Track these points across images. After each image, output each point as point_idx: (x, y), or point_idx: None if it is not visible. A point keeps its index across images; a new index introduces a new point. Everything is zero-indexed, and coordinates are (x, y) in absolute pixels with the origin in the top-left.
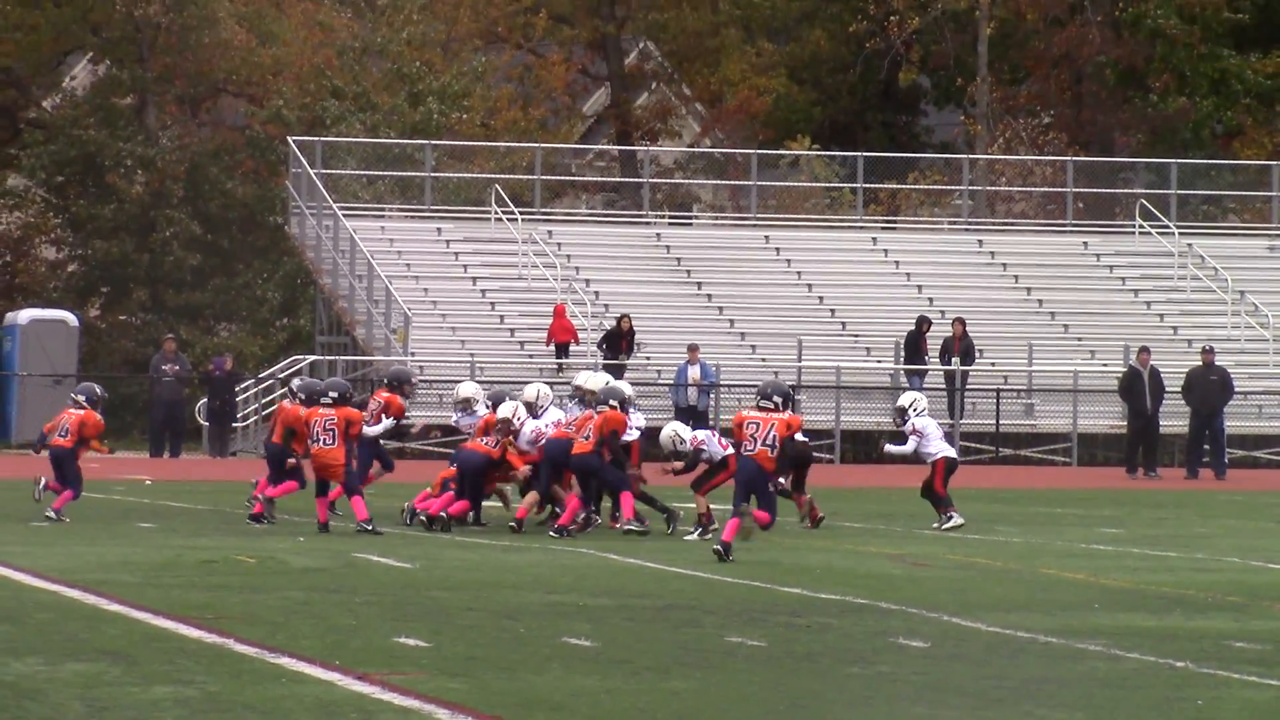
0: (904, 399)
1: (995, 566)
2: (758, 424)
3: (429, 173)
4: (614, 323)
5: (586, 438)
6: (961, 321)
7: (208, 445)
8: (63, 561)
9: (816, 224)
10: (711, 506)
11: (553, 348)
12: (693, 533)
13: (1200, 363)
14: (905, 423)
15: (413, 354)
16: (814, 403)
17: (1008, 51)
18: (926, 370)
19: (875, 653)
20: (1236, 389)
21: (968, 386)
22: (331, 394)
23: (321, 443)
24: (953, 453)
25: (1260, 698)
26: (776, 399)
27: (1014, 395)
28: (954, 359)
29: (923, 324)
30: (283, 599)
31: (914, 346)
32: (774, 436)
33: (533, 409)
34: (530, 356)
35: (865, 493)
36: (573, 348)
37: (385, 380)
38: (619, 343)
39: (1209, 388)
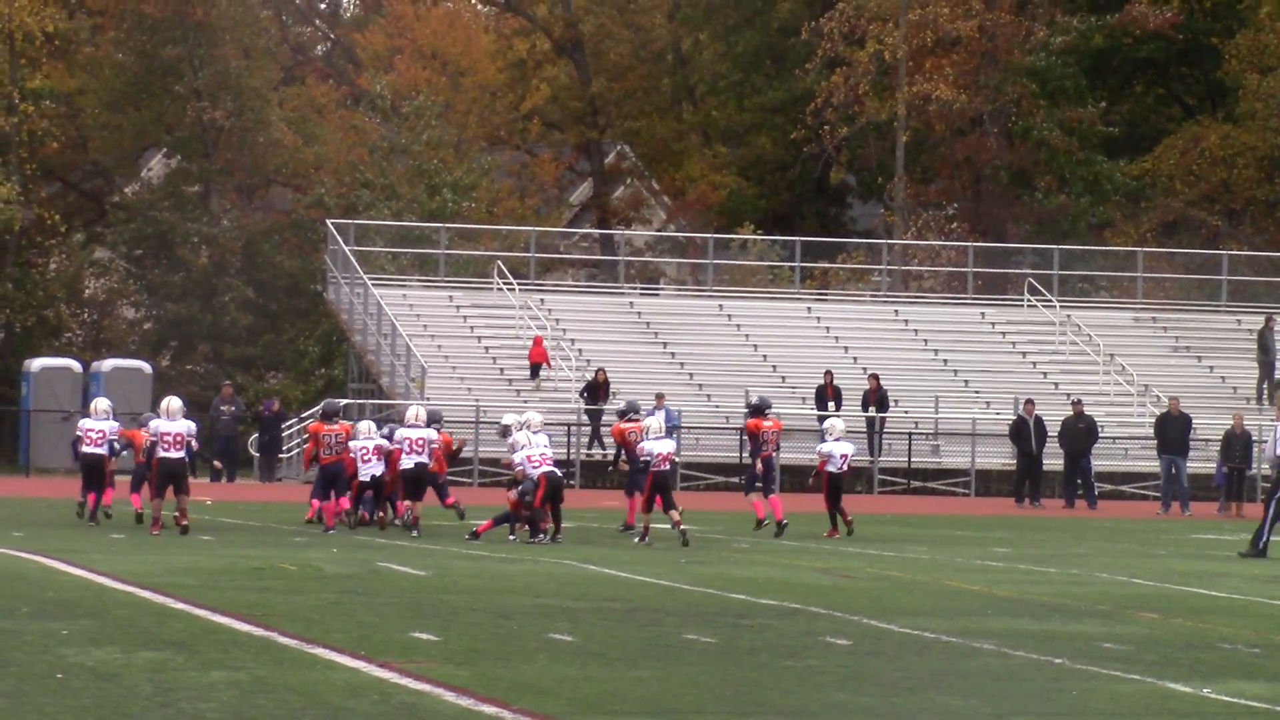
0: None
1: (906, 578)
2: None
3: (443, 250)
4: (592, 375)
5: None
6: (876, 377)
7: (258, 472)
8: (136, 567)
9: (761, 295)
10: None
11: (529, 368)
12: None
13: (1071, 413)
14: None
15: (428, 398)
16: None
17: (920, 155)
18: (840, 415)
19: (806, 649)
20: (1105, 434)
21: (885, 430)
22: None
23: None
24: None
25: (1124, 690)
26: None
27: (923, 437)
28: (871, 407)
29: (826, 377)
30: (318, 599)
31: (821, 395)
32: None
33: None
34: (525, 402)
35: (800, 517)
36: (543, 370)
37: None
38: (597, 391)
39: (1077, 434)
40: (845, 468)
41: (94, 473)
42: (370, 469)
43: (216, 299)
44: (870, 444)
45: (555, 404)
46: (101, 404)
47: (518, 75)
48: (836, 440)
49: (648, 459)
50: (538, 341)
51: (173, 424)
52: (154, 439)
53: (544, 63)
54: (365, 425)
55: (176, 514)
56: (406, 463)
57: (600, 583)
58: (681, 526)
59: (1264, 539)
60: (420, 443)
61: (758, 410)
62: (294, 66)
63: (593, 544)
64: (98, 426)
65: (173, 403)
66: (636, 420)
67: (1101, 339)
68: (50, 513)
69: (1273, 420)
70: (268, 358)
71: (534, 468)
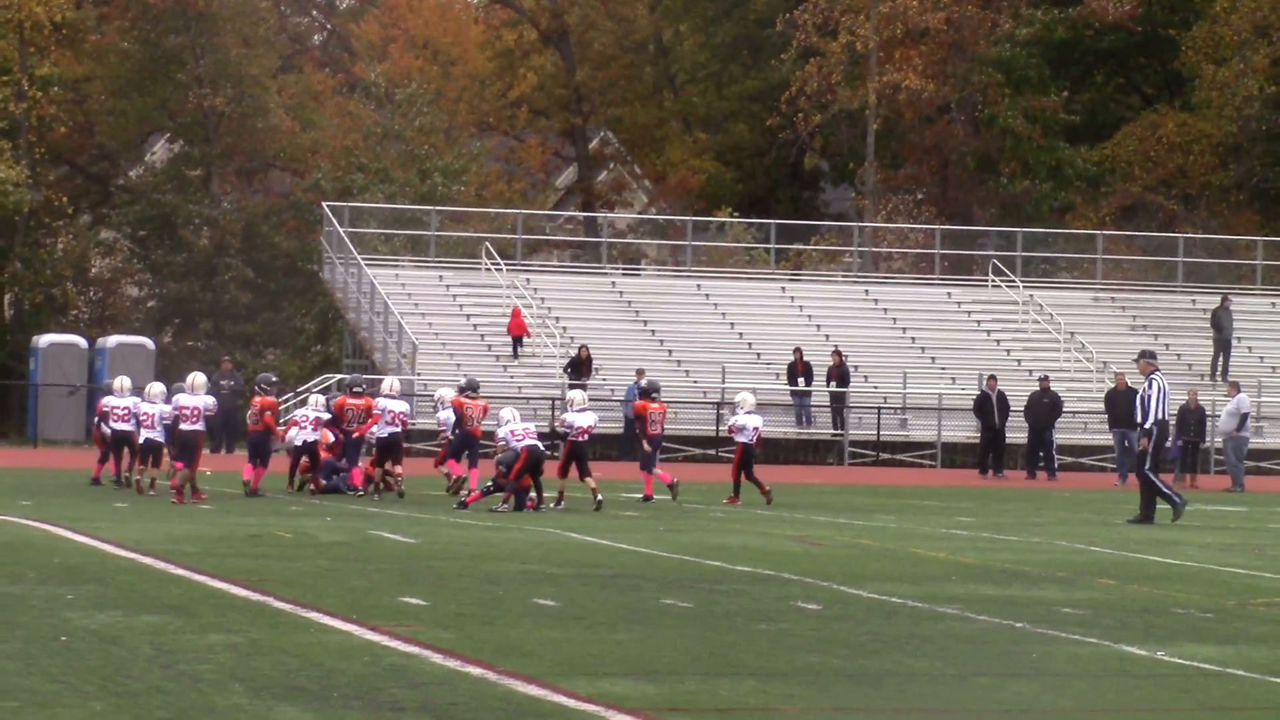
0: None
1: (874, 546)
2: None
3: (434, 232)
4: (576, 352)
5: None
6: (838, 353)
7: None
8: (139, 535)
9: (738, 275)
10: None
11: (509, 340)
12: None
13: (1038, 388)
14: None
15: (418, 373)
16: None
17: (890, 142)
18: (810, 391)
19: (779, 613)
20: (1066, 409)
21: (854, 404)
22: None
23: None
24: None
25: (1082, 651)
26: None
27: (891, 412)
28: (832, 382)
29: (796, 353)
30: (313, 566)
31: (792, 371)
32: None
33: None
34: (511, 377)
35: (774, 487)
36: (524, 342)
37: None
38: (580, 367)
39: (1042, 408)
40: (756, 439)
41: (123, 446)
42: (304, 435)
43: (217, 278)
44: (834, 418)
45: (539, 378)
46: (125, 382)
47: (506, 64)
48: (748, 413)
49: (566, 430)
50: (515, 313)
51: (194, 398)
52: (175, 411)
53: (531, 52)
54: (154, 387)
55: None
56: (381, 431)
57: (582, 550)
58: (598, 495)
59: (1169, 502)
60: (195, 411)
61: (645, 393)
62: (292, 55)
63: (575, 513)
64: (122, 404)
65: (197, 378)
66: (657, 400)
67: (1062, 318)
68: (57, 482)
69: (1225, 395)
70: (266, 334)
71: (517, 441)
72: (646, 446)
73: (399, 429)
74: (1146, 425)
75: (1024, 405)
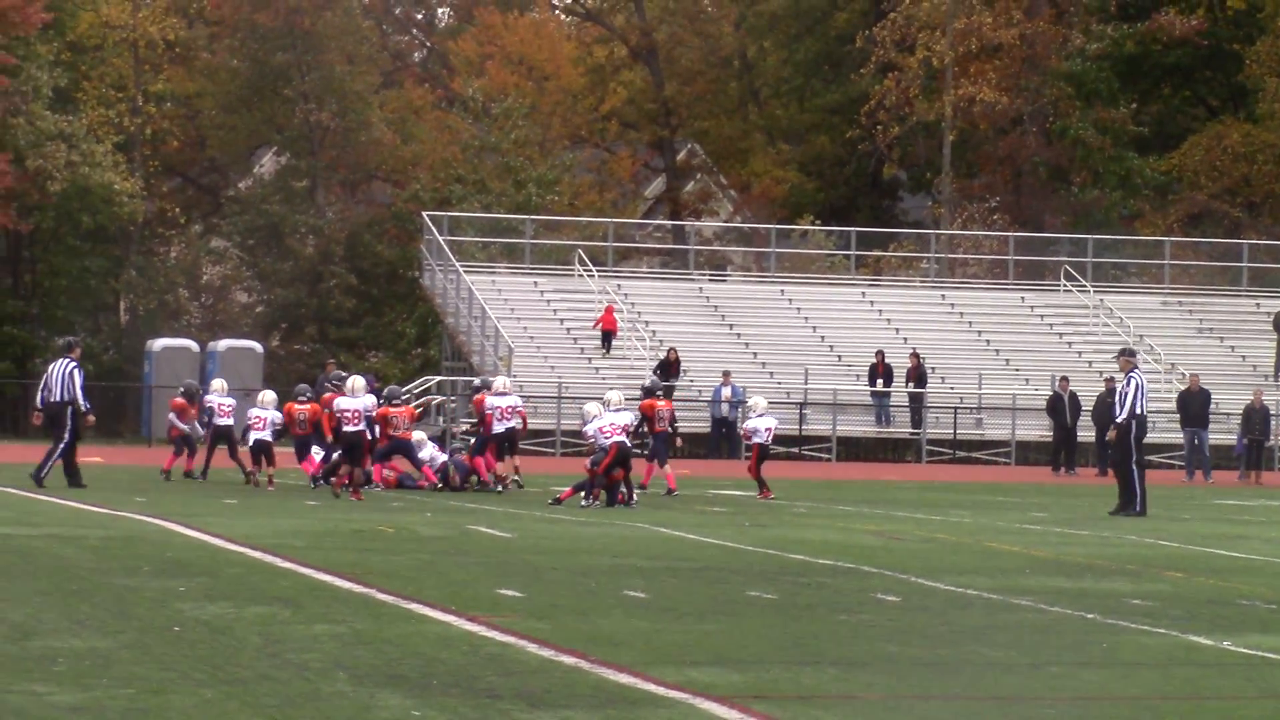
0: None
1: (951, 540)
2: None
3: (529, 240)
4: (665, 354)
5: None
6: (915, 355)
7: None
8: (248, 530)
9: (820, 281)
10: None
11: (600, 334)
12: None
13: (1103, 389)
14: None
15: (515, 375)
16: (816, 415)
17: (966, 153)
18: (889, 391)
19: (859, 605)
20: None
21: (931, 405)
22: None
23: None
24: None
25: (1151, 642)
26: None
27: (967, 411)
28: (910, 383)
29: (878, 356)
30: (414, 559)
31: (873, 373)
32: None
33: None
34: (604, 379)
35: (855, 484)
36: (614, 339)
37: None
38: (669, 368)
39: (1107, 409)
40: (770, 440)
41: (354, 451)
42: (256, 434)
43: (322, 285)
44: (913, 417)
45: (628, 379)
46: (268, 396)
47: (597, 79)
48: (760, 416)
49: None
50: (608, 310)
51: (354, 400)
52: (338, 414)
53: (621, 68)
54: (266, 395)
55: (337, 480)
56: (498, 427)
57: (671, 544)
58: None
59: (1140, 502)
60: (356, 414)
61: (649, 392)
62: (393, 72)
63: (663, 509)
64: (352, 406)
65: (357, 381)
66: (663, 398)
67: (1131, 321)
68: (169, 480)
69: None
70: (369, 338)
71: (605, 438)
72: (651, 441)
73: (517, 423)
74: (1119, 420)
75: (1093, 407)
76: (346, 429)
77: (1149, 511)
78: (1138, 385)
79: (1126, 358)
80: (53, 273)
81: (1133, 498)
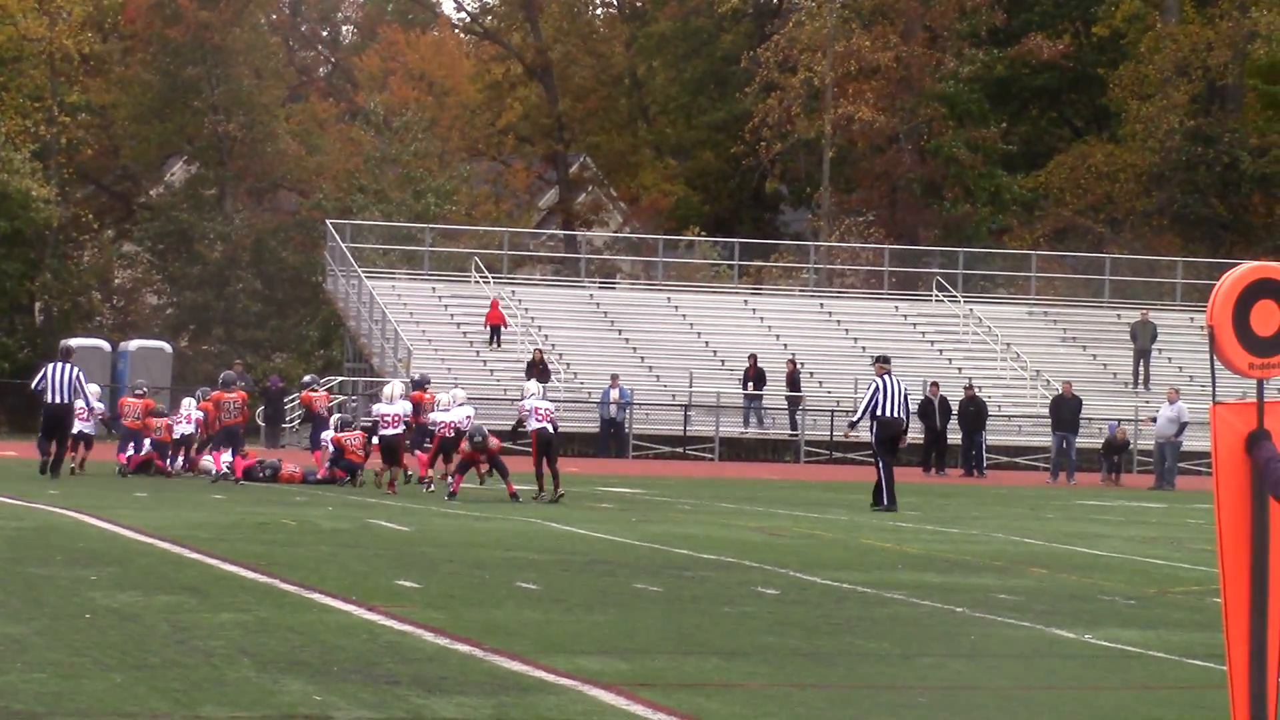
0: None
1: (828, 537)
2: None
3: (427, 248)
4: (532, 355)
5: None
6: (792, 361)
7: (264, 440)
8: (157, 522)
9: (704, 289)
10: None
11: (488, 330)
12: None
13: (964, 395)
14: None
15: (412, 376)
16: (700, 417)
17: (844, 169)
18: (762, 394)
19: (741, 597)
20: (1001, 413)
21: (809, 408)
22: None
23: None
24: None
25: (1016, 634)
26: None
27: (843, 414)
28: (788, 387)
29: (750, 360)
30: (315, 551)
31: (745, 376)
32: None
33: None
34: (499, 381)
35: (736, 483)
36: (503, 332)
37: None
38: (533, 369)
39: (968, 414)
40: (546, 421)
41: (391, 453)
42: (182, 429)
43: (229, 288)
44: (791, 419)
45: (515, 373)
46: (396, 389)
47: (494, 95)
48: (533, 397)
49: (433, 427)
50: (494, 305)
51: (392, 406)
52: (376, 419)
53: (517, 85)
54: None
55: (386, 482)
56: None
57: (562, 538)
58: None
59: (887, 494)
60: (395, 418)
61: (419, 385)
62: (299, 85)
63: (555, 505)
64: (391, 411)
65: (396, 388)
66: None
67: (1000, 330)
68: (85, 474)
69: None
70: (274, 340)
71: (537, 420)
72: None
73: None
74: (853, 420)
75: (957, 412)
76: (385, 432)
77: (934, 503)
78: (876, 389)
79: (880, 364)
80: None
81: (880, 492)
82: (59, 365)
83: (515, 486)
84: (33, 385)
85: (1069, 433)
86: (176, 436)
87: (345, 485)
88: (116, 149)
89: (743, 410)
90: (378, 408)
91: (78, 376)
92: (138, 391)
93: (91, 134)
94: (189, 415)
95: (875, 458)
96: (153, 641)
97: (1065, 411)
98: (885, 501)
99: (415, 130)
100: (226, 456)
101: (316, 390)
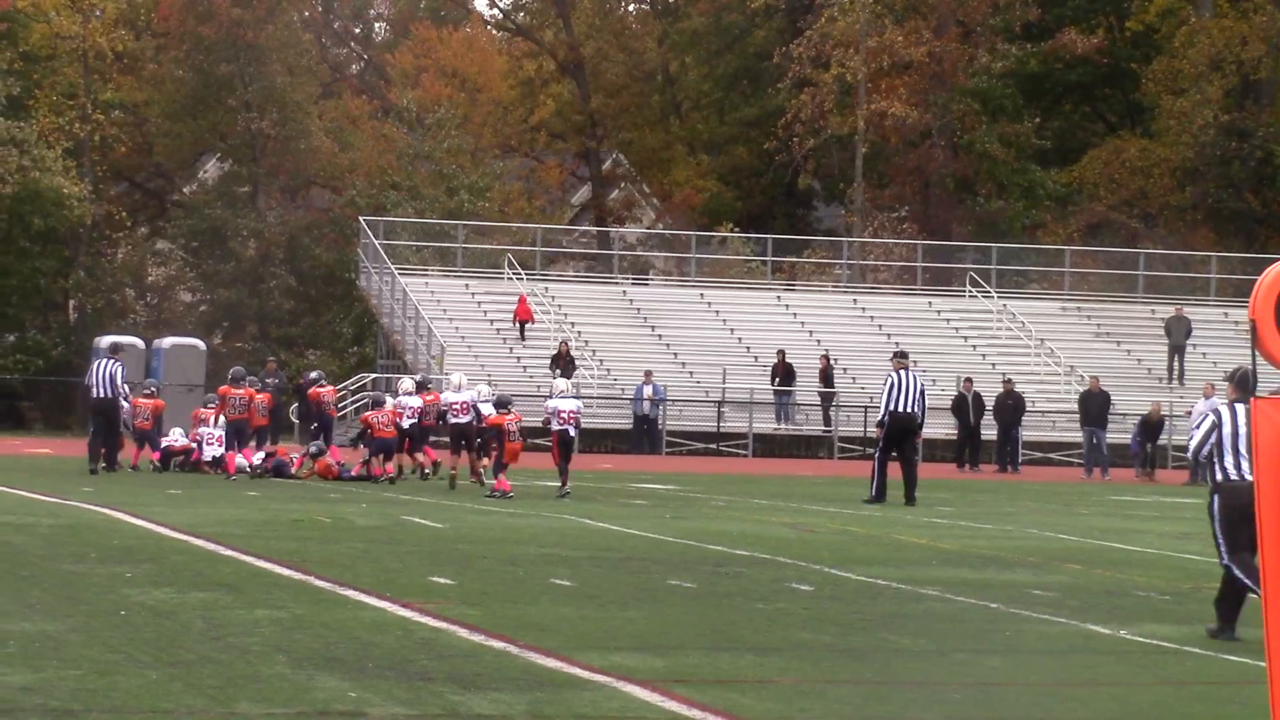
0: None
1: (862, 533)
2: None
3: (460, 244)
4: (557, 347)
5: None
6: (825, 356)
7: (298, 437)
8: (191, 519)
9: (737, 285)
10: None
11: (516, 325)
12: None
13: (1002, 390)
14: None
15: (446, 373)
16: (733, 413)
17: (877, 164)
18: (792, 390)
19: (775, 593)
20: (1035, 409)
21: (842, 404)
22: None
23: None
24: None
25: (1051, 630)
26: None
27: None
28: (821, 383)
29: (778, 355)
30: (350, 548)
31: (773, 372)
32: None
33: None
34: (531, 377)
35: (770, 479)
36: (529, 327)
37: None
38: (558, 361)
39: (1005, 409)
40: (570, 424)
41: (463, 438)
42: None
43: (263, 285)
44: (824, 415)
45: (535, 369)
46: (458, 378)
47: (526, 92)
48: (562, 396)
49: (445, 408)
50: (521, 300)
51: (458, 394)
52: (444, 408)
53: (550, 81)
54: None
55: (468, 471)
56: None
57: (596, 535)
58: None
59: (875, 488)
60: (465, 406)
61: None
62: (332, 83)
63: (590, 501)
64: (459, 399)
65: (462, 378)
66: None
67: (1033, 325)
68: (122, 471)
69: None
70: (307, 337)
71: (560, 422)
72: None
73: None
74: (880, 419)
75: (993, 407)
76: (454, 420)
77: (920, 500)
78: (891, 384)
79: (897, 359)
80: (4, 272)
81: (873, 485)
82: (103, 361)
83: (509, 484)
84: (85, 381)
85: (1097, 428)
86: (208, 459)
87: (382, 483)
88: (150, 147)
89: (775, 406)
90: (446, 396)
91: (114, 371)
92: (147, 392)
93: (125, 132)
94: (217, 437)
95: (876, 449)
96: (188, 638)
97: (1093, 406)
98: (874, 494)
99: (448, 127)
100: (257, 456)
101: (324, 387)
